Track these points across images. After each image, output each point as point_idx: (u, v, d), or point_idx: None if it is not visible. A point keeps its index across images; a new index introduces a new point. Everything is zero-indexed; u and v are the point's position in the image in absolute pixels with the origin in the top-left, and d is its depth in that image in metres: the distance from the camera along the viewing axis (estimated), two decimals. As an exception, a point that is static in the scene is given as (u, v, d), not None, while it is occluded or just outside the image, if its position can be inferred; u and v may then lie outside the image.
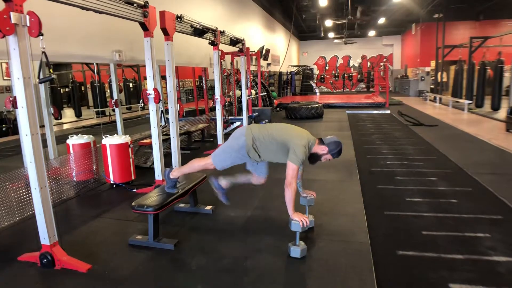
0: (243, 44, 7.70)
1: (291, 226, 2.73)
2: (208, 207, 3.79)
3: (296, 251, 2.75)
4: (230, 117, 8.90)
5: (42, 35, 2.56)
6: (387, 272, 2.62)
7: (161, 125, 4.19)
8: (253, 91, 10.79)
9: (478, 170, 5.17)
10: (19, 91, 2.60)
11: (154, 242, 3.03)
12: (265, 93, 12.50)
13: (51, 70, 2.69)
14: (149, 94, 4.14)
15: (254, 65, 11.98)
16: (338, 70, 24.25)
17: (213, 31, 5.90)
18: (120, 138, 4.76)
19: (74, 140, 4.89)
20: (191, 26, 5.13)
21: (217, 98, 6.41)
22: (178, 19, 4.71)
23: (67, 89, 14.08)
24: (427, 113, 12.32)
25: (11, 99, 4.81)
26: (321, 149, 2.92)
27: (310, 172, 5.27)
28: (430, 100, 16.40)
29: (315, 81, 20.91)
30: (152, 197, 3.11)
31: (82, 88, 13.47)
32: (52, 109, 5.38)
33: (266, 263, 2.73)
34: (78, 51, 4.53)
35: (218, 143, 6.73)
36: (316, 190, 4.20)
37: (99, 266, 2.76)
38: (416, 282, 2.52)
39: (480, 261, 2.77)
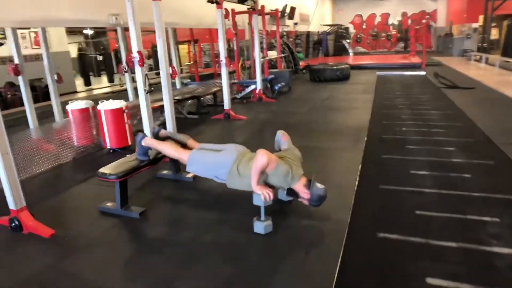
0: (254, 2, 7.19)
1: (253, 200, 2.51)
2: (190, 175, 3.64)
3: (259, 226, 2.53)
4: (245, 80, 8.60)
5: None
6: (358, 258, 2.34)
7: (145, 89, 4.01)
8: (273, 53, 10.28)
9: (508, 141, 4.55)
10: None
11: (121, 210, 2.95)
12: (288, 55, 11.89)
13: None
14: (134, 57, 3.94)
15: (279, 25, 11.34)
16: (376, 29, 22.55)
17: (215, -13, 5.48)
18: (114, 104, 4.68)
19: (72, 106, 4.89)
20: (185, -19, 4.76)
21: (221, 61, 6.10)
22: (168, -27, 4.36)
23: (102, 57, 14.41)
24: (468, 74, 11.16)
25: (12, 66, 4.88)
26: (302, 191, 2.61)
27: (311, 137, 4.96)
28: (475, 60, 14.86)
29: (349, 41, 19.62)
30: (120, 164, 3.00)
31: (118, 55, 13.77)
32: (56, 76, 5.41)
33: (227, 237, 2.55)
34: (70, 16, 4.36)
35: (225, 107, 6.49)
36: (311, 158, 3.96)
37: (63, 232, 2.73)
38: (389, 273, 2.21)
39: (475, 251, 2.37)
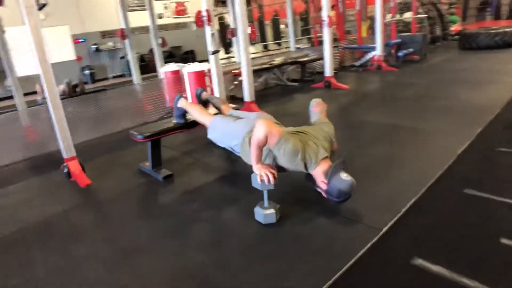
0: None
1: (252, 181, 2.06)
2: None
3: (259, 214, 2.10)
4: (359, 45, 7.56)
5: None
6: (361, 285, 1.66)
7: (210, 50, 3.83)
8: (409, 14, 8.67)
9: None
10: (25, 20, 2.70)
11: (151, 171, 2.93)
12: (434, 17, 9.83)
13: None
14: (203, 16, 3.78)
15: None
16: None
17: None
18: (197, 66, 4.71)
19: (166, 68, 5.17)
20: None
21: (323, 20, 5.39)
22: None
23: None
24: None
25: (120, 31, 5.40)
26: (320, 179, 2.05)
27: (412, 115, 3.99)
28: None
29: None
30: (154, 126, 2.97)
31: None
32: (160, 39, 5.80)
33: (226, 219, 2.23)
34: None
35: (325, 75, 5.82)
36: (394, 141, 3.33)
37: (97, 184, 2.89)
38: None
39: None
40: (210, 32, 3.78)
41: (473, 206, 2.18)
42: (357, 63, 7.58)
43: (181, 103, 2.93)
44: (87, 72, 9.58)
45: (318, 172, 2.05)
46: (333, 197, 2.01)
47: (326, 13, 5.33)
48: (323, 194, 2.07)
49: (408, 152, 3.01)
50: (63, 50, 9.15)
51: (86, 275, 1.80)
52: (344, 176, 1.98)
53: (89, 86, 8.49)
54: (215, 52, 3.84)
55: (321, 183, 2.04)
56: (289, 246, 1.89)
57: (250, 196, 2.43)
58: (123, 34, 5.23)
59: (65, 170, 3.02)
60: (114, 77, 10.41)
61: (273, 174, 1.98)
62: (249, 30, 4.23)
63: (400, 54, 7.09)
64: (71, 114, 4.07)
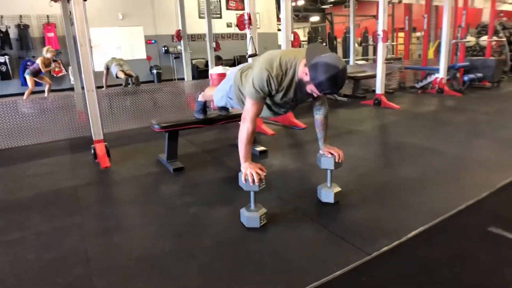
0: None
1: (239, 179, 1.97)
2: (258, 148, 3.30)
3: (243, 216, 2.01)
4: (420, 66, 7.04)
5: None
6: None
7: (249, 54, 3.86)
8: (484, 37, 7.89)
9: None
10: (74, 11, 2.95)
11: (166, 161, 3.00)
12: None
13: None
14: (244, 19, 3.84)
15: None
16: None
17: None
18: (221, 69, 4.79)
19: (212, 70, 5.32)
20: None
21: (379, 35, 5.13)
22: None
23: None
24: None
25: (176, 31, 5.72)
26: (304, 74, 1.83)
27: (461, 142, 3.60)
28: None
29: None
30: (174, 119, 3.04)
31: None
32: (214, 43, 6.01)
33: (215, 216, 2.17)
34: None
35: (376, 92, 5.51)
36: (432, 165, 2.93)
37: (116, 168, 3.03)
38: None
39: None
40: (249, 35, 3.81)
41: (492, 247, 1.85)
42: (418, 85, 7.08)
43: (200, 97, 2.97)
44: (154, 71, 10.25)
45: (301, 68, 1.84)
46: (320, 80, 1.71)
47: (381, 27, 5.07)
48: (314, 91, 1.80)
49: (438, 178, 2.68)
50: (135, 49, 9.94)
51: (63, 242, 1.89)
52: (325, 55, 1.73)
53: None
54: (252, 55, 3.85)
55: (306, 76, 1.78)
56: (260, 254, 1.77)
57: (248, 198, 2.36)
58: (178, 34, 5.52)
59: (92, 151, 3.23)
60: (179, 79, 10.98)
61: (258, 174, 1.89)
62: (292, 37, 4.17)
63: (466, 78, 6.45)
64: (117, 103, 4.40)
